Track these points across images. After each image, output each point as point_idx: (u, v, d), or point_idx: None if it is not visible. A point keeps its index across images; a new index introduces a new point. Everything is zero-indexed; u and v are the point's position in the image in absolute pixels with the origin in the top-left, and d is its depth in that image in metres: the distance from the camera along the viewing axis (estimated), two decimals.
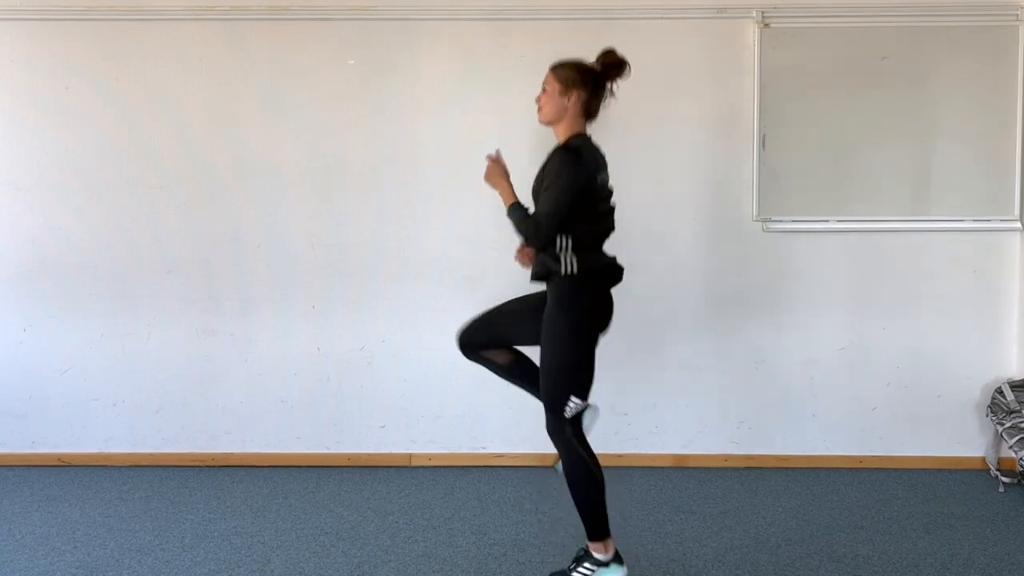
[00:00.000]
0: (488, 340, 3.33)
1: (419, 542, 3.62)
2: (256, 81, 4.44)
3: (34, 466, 4.54)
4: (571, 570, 3.18)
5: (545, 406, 3.13)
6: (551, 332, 3.09)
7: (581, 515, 3.14)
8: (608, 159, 3.25)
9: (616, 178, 4.30)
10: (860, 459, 4.50)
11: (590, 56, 4.44)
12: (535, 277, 3.21)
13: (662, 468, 4.50)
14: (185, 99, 4.45)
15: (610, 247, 3.21)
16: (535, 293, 3.26)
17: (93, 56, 4.43)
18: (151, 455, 4.56)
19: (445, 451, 4.56)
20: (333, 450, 4.57)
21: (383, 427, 4.57)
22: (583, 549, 3.20)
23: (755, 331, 4.49)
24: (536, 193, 3.15)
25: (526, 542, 3.63)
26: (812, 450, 4.52)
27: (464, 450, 4.56)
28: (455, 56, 4.42)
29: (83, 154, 4.47)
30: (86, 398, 4.55)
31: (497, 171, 3.25)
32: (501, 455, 4.54)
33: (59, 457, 4.57)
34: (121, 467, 4.53)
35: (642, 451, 4.54)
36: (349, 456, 4.57)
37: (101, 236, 4.49)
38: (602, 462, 4.42)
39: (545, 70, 3.28)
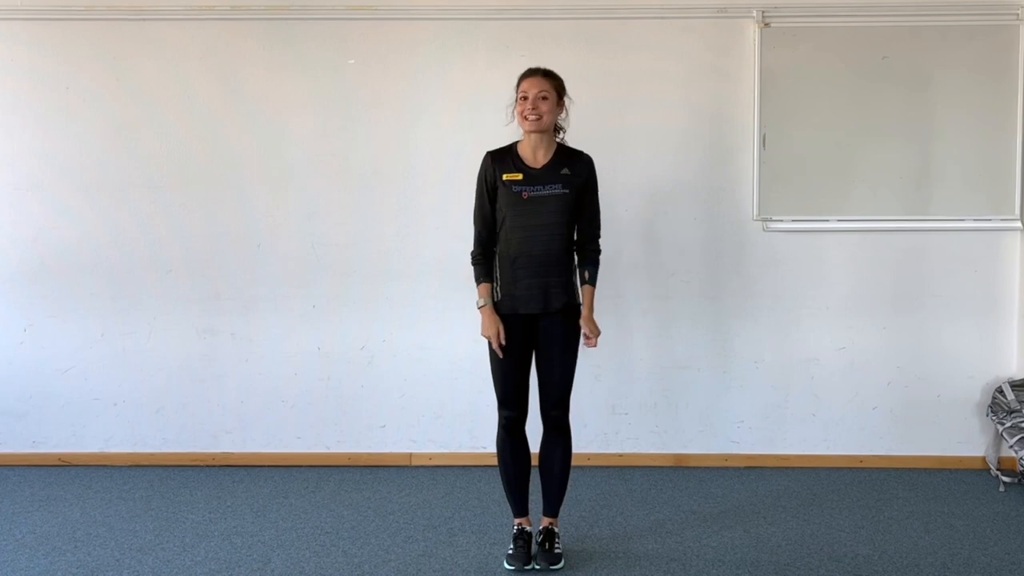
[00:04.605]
0: (524, 401, 3.43)
1: (419, 542, 3.62)
2: (256, 81, 4.44)
3: (34, 466, 4.54)
4: (553, 547, 3.40)
5: (559, 407, 3.40)
6: (572, 349, 3.37)
7: (562, 493, 3.47)
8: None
9: (616, 178, 4.29)
10: (860, 459, 4.50)
11: (589, 56, 4.44)
12: (558, 308, 3.30)
13: (662, 468, 4.50)
14: (185, 99, 4.45)
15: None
16: (513, 343, 3.34)
17: (93, 56, 4.43)
18: (151, 455, 4.57)
19: (445, 451, 4.57)
20: (333, 450, 4.57)
21: (383, 427, 4.57)
22: (550, 529, 3.46)
23: (755, 331, 4.49)
24: (577, 196, 3.28)
25: None
26: (812, 450, 4.52)
27: (464, 450, 4.56)
28: (455, 56, 4.42)
29: (83, 154, 4.47)
30: (86, 398, 4.56)
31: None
32: None
33: (59, 457, 4.57)
34: (121, 467, 4.54)
35: (642, 451, 4.54)
36: (349, 456, 4.57)
37: (101, 236, 4.49)
38: (602, 462, 4.50)
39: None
